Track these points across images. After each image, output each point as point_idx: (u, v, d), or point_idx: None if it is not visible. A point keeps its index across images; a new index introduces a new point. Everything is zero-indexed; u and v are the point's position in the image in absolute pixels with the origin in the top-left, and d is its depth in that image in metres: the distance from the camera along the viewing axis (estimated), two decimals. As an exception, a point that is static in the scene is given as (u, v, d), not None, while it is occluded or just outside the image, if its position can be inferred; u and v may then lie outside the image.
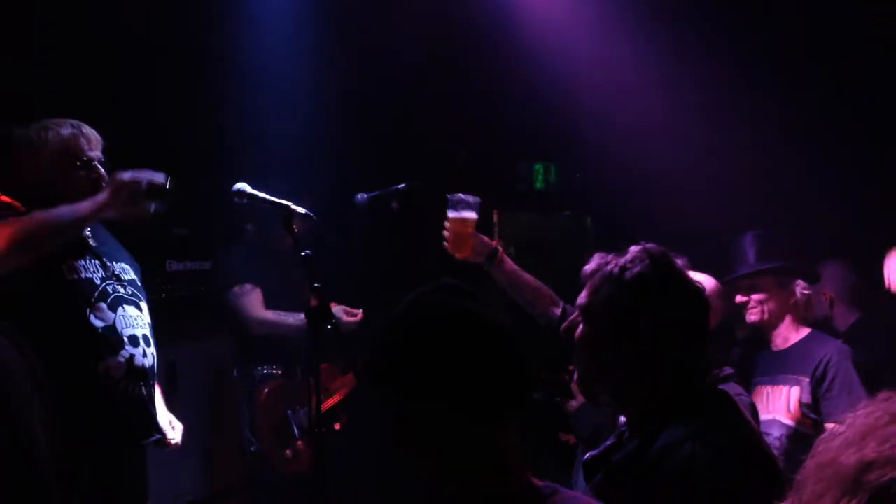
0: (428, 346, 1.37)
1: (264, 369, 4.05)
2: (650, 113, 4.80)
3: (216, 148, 4.33)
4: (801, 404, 3.17)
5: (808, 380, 3.18)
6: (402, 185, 3.71)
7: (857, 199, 4.38)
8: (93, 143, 2.76)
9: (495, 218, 5.49)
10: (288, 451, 3.97)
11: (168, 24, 4.07)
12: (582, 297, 1.84)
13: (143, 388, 2.77)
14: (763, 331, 3.37)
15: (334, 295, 3.28)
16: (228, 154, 4.26)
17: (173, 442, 2.96)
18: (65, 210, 2.53)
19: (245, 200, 2.94)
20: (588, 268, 1.85)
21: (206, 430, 4.26)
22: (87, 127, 2.79)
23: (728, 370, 2.70)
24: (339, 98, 4.69)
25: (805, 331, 3.33)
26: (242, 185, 2.93)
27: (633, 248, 1.81)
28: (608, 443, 1.87)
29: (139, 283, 2.93)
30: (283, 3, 4.49)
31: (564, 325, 1.90)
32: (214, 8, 4.27)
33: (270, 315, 4.01)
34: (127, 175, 2.63)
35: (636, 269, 1.76)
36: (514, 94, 5.10)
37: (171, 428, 2.98)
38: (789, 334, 3.32)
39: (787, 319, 3.32)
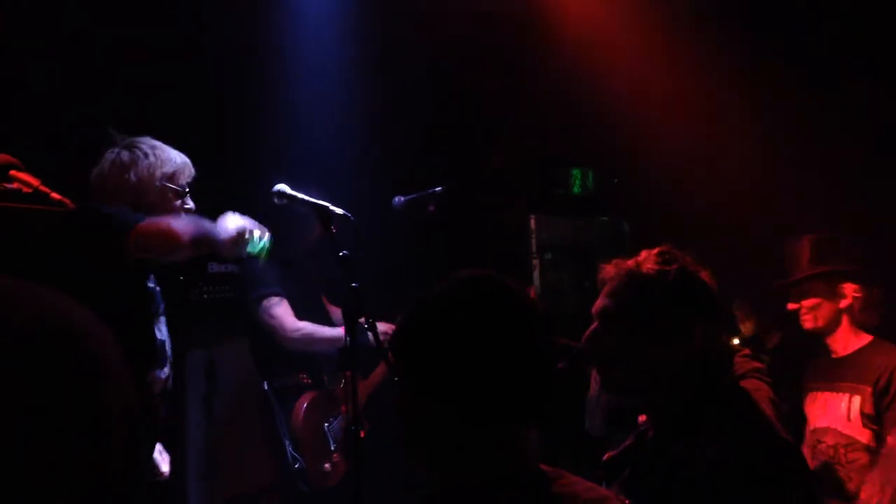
0: (430, 343, 1.37)
1: (292, 379, 4.03)
2: (689, 118, 4.77)
3: (254, 150, 4.38)
4: (862, 414, 3.08)
5: (870, 389, 3.08)
6: (438, 188, 3.74)
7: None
8: (190, 174, 2.91)
9: (532, 224, 5.47)
10: (327, 465, 3.97)
11: (206, 26, 4.13)
12: (602, 302, 1.85)
13: (164, 410, 2.85)
14: (820, 338, 3.29)
15: (370, 298, 3.32)
16: (266, 156, 4.31)
17: (164, 474, 3.04)
18: (193, 230, 2.62)
19: (285, 201, 3.00)
20: (605, 273, 1.86)
21: (243, 429, 4.30)
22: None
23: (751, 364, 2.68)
24: (375, 101, 4.73)
25: (866, 337, 3.22)
26: (282, 187, 2.99)
27: (644, 251, 1.84)
28: (627, 443, 1.87)
29: None
30: (320, 9, 4.54)
31: (587, 334, 1.88)
32: (248, 15, 4.33)
33: (308, 327, 3.92)
34: (251, 223, 2.72)
35: (656, 269, 1.78)
36: (551, 97, 5.09)
37: (161, 458, 3.06)
38: (848, 340, 3.22)
39: (844, 324, 3.22)
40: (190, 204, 2.87)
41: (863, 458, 3.08)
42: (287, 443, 3.93)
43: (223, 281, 4.28)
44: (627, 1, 4.80)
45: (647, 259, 1.81)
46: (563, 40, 4.87)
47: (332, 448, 3.97)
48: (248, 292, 4.01)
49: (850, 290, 3.23)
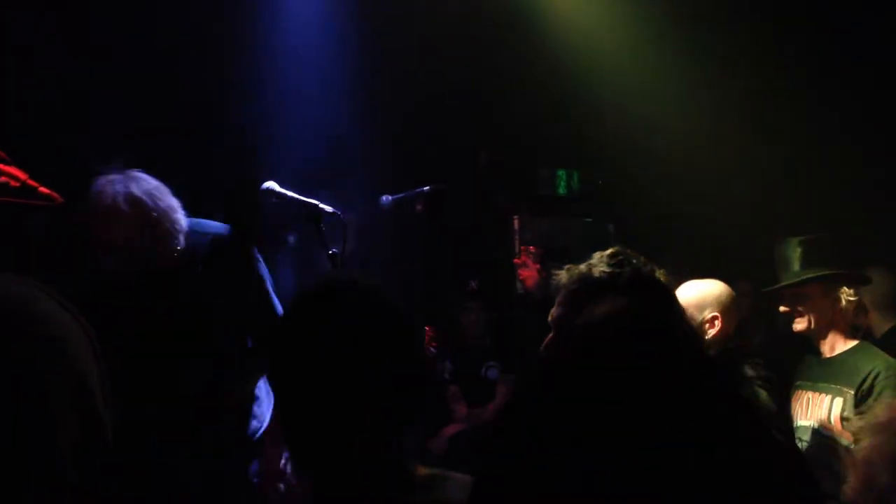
0: (304, 349, 1.33)
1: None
2: (674, 120, 4.79)
3: (243, 150, 4.36)
4: (842, 418, 3.06)
5: (852, 392, 3.07)
6: (426, 188, 3.72)
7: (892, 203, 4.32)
8: None
9: (516, 224, 5.49)
10: (281, 485, 3.96)
11: (196, 24, 4.10)
12: (556, 311, 1.79)
13: None
14: (810, 340, 3.30)
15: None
16: (256, 156, 4.29)
17: None
18: None
19: (274, 199, 2.95)
20: (558, 280, 1.80)
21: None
22: None
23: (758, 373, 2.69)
24: (362, 101, 4.71)
25: (853, 341, 3.22)
26: (271, 184, 2.94)
27: (597, 254, 1.79)
28: None
29: None
30: (308, 7, 4.52)
31: (545, 344, 1.81)
32: (241, 10, 4.30)
33: None
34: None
35: (608, 272, 1.73)
36: (538, 98, 5.10)
37: None
38: (836, 343, 3.21)
39: (835, 327, 3.21)
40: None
41: (843, 459, 3.11)
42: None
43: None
44: (615, 1, 4.82)
45: (598, 262, 1.76)
46: (550, 41, 4.88)
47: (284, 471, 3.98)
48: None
49: (844, 293, 3.22)
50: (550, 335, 1.80)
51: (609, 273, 1.73)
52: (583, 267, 1.77)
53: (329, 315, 1.33)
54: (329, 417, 1.30)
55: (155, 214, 2.67)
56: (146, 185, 2.68)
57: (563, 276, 1.79)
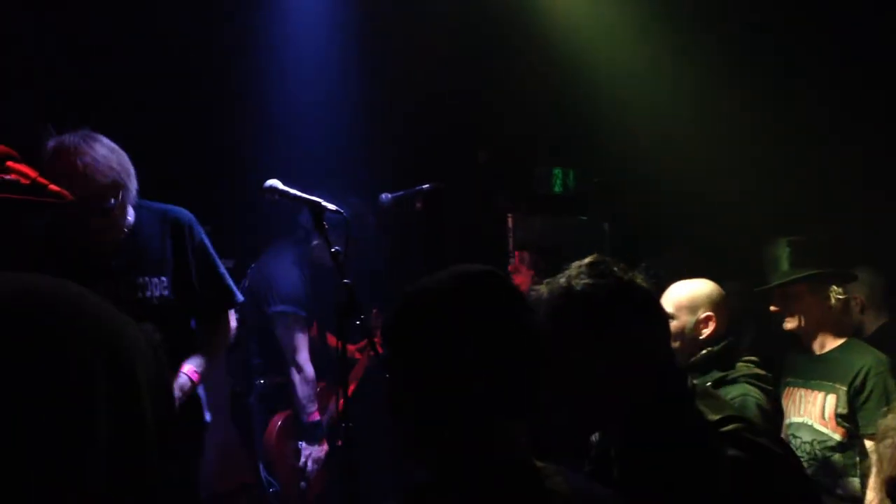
0: (424, 336, 1.37)
1: (264, 379, 4.08)
2: (670, 119, 4.83)
3: (238, 146, 4.36)
4: (836, 414, 3.15)
5: (844, 388, 3.15)
6: (426, 186, 3.74)
7: (885, 202, 4.36)
8: None
9: (510, 223, 5.51)
10: (302, 483, 4.00)
11: (194, 22, 4.11)
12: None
13: None
14: (800, 338, 3.35)
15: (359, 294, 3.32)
16: (250, 152, 4.30)
17: None
18: None
19: (276, 197, 2.96)
20: (538, 296, 1.77)
21: (220, 426, 4.28)
22: None
23: (751, 370, 2.73)
24: (362, 99, 4.73)
25: (843, 338, 3.30)
26: (274, 182, 2.94)
27: (575, 265, 1.75)
28: (588, 467, 1.85)
29: None
30: (308, 7, 4.53)
31: None
32: (241, 9, 4.31)
33: (309, 369, 4.00)
34: None
35: (589, 283, 1.69)
36: (536, 97, 5.13)
37: None
38: (826, 340, 3.30)
39: (825, 325, 3.29)
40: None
41: (836, 455, 3.16)
42: (260, 466, 3.97)
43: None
44: (613, 0, 4.85)
45: (578, 275, 1.71)
46: (547, 40, 4.90)
47: (302, 467, 4.01)
48: (272, 299, 4.06)
49: (833, 291, 3.30)
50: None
51: (590, 285, 1.69)
52: (562, 280, 1.72)
53: (463, 305, 1.38)
54: (460, 406, 1.34)
55: (125, 174, 2.66)
56: (110, 143, 2.67)
57: (543, 290, 1.76)
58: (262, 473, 3.97)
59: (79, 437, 0.72)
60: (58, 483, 0.71)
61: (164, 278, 2.85)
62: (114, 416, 0.75)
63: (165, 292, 2.84)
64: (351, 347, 4.19)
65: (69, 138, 2.57)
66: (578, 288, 1.69)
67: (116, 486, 0.75)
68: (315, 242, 4.09)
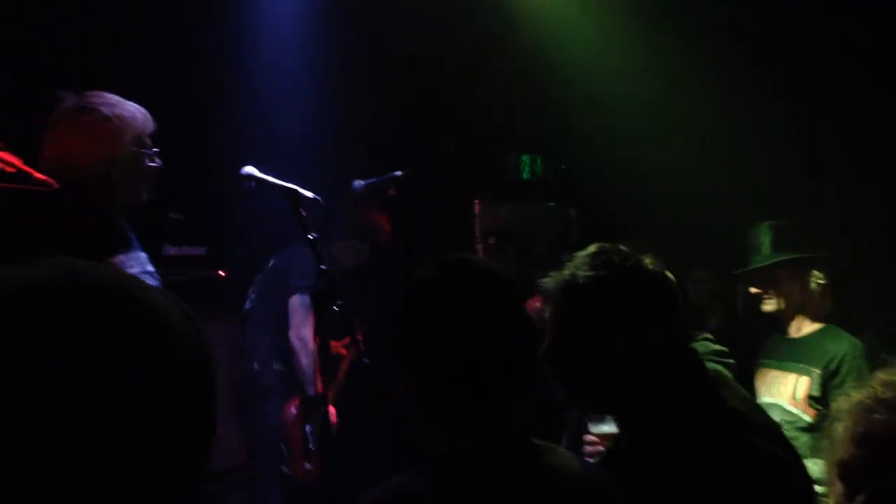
0: (415, 322, 1.44)
1: (274, 364, 4.10)
2: (639, 105, 4.89)
3: (211, 133, 4.34)
4: (809, 396, 3.18)
5: (819, 372, 3.18)
6: (398, 173, 3.77)
7: (857, 188, 4.44)
8: (152, 128, 2.66)
9: (476, 209, 5.55)
10: (308, 465, 4.04)
11: (169, 12, 4.08)
12: (548, 319, 1.78)
13: None
14: (778, 320, 3.37)
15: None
16: (223, 139, 4.28)
17: None
18: None
19: (253, 184, 2.97)
20: (544, 288, 1.78)
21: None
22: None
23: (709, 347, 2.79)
24: (332, 88, 4.73)
25: (820, 322, 3.33)
26: (251, 169, 2.95)
27: (579, 255, 1.76)
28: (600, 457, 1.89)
29: None
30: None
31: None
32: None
33: (311, 344, 3.96)
34: None
35: (594, 275, 1.70)
36: (503, 84, 5.16)
37: None
38: (803, 324, 3.33)
39: (803, 309, 3.32)
40: (157, 162, 2.61)
41: (804, 437, 3.22)
42: (281, 445, 4.01)
43: (179, 263, 4.26)
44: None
45: (581, 266, 1.72)
46: (515, 27, 4.94)
47: (313, 447, 4.04)
48: (289, 279, 4.08)
49: (814, 276, 3.32)
50: (546, 342, 1.77)
51: (595, 276, 1.69)
52: (566, 273, 1.74)
53: (459, 292, 1.43)
54: (463, 385, 1.39)
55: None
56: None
57: (548, 283, 1.77)
58: (285, 456, 4.02)
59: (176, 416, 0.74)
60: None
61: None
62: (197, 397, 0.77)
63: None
64: (335, 344, 4.21)
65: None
66: (581, 281, 1.70)
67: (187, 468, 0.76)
68: (337, 243, 4.17)
